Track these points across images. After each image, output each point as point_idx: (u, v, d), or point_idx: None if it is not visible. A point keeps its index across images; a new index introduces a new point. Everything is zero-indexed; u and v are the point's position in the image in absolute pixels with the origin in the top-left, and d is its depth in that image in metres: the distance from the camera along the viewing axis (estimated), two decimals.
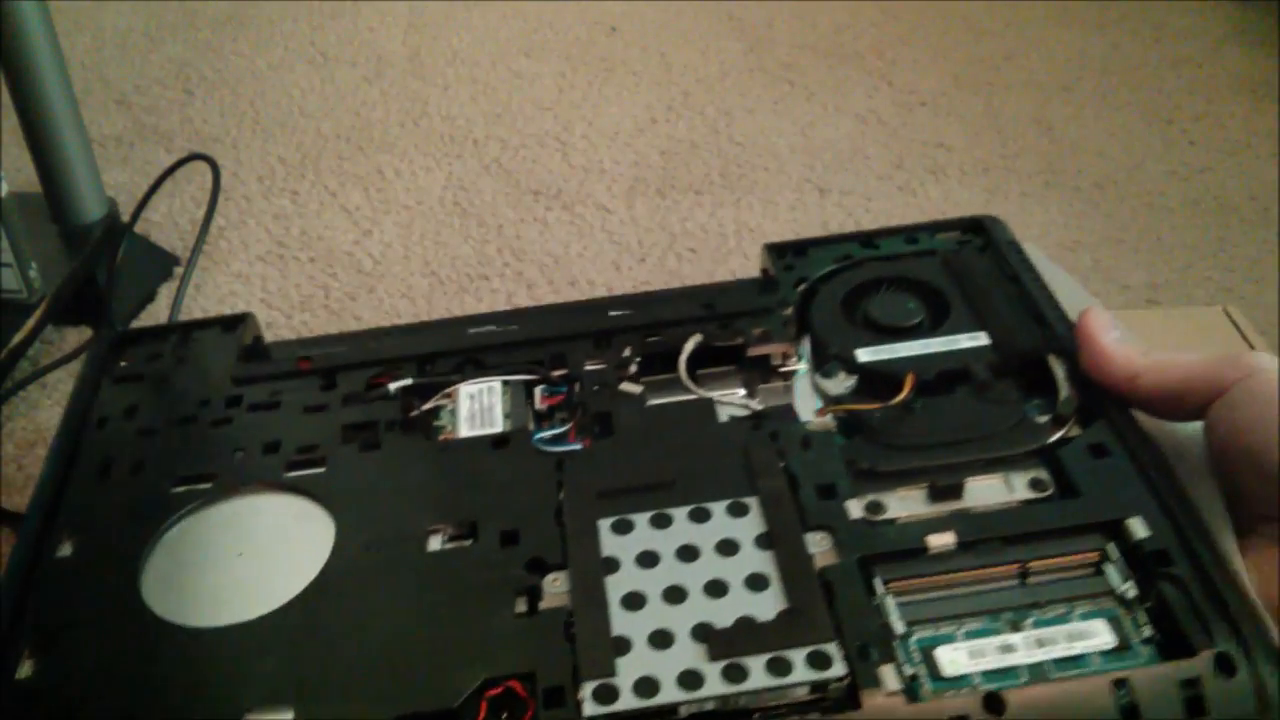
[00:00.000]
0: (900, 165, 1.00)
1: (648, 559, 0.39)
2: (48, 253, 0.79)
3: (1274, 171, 0.98)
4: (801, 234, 0.90)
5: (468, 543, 0.41)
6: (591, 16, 1.25)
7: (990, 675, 0.36)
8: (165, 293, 0.86)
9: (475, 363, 0.48)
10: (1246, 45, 1.18)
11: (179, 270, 0.87)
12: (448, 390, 0.47)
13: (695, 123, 1.06)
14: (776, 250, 0.53)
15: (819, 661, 0.35)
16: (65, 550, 0.42)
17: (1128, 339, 0.43)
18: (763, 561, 0.38)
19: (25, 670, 0.38)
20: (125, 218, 0.86)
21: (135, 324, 0.83)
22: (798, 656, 0.35)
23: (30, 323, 0.74)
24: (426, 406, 0.47)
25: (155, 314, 0.84)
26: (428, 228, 0.92)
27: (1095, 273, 0.86)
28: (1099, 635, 0.36)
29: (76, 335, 0.82)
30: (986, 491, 0.41)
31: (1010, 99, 1.10)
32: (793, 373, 0.47)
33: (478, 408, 0.47)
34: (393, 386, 0.47)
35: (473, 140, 1.04)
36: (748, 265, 0.87)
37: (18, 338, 0.74)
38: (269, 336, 0.81)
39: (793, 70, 1.15)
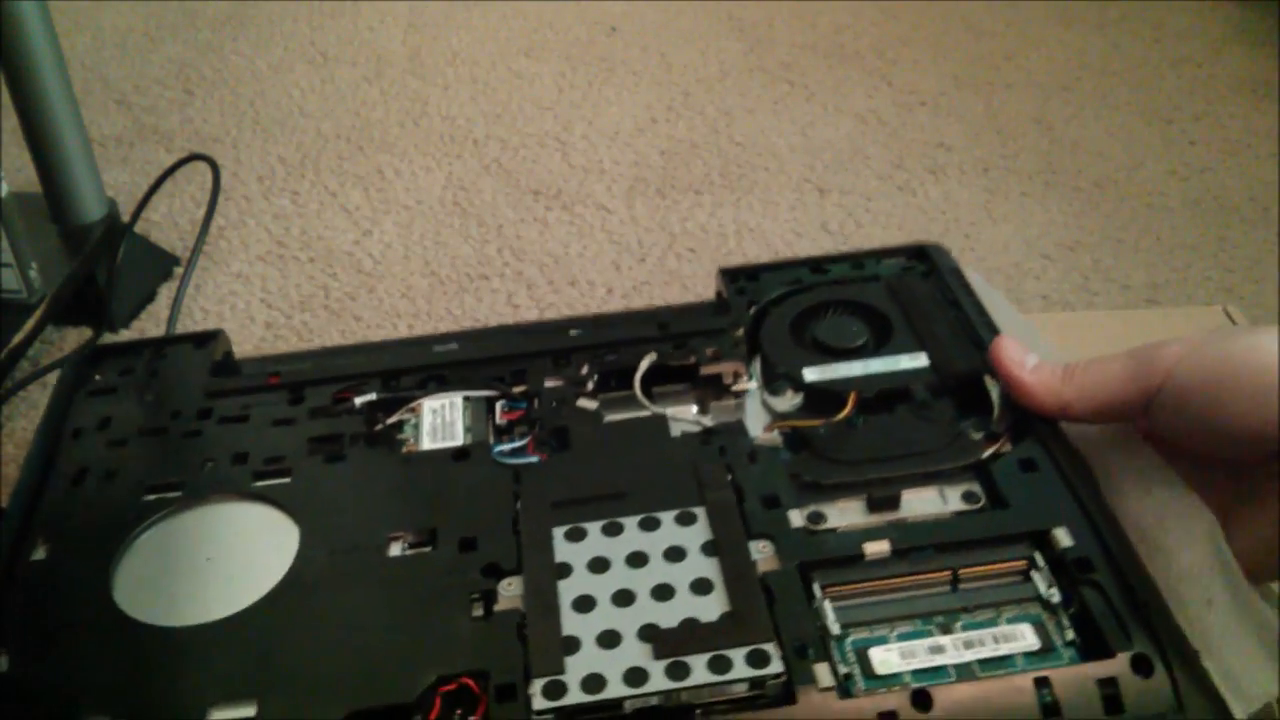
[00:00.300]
0: (900, 165, 1.00)
1: (599, 564, 0.41)
2: (48, 253, 0.79)
3: (1274, 171, 0.98)
4: (802, 233, 0.91)
5: (427, 549, 0.42)
6: (591, 16, 1.25)
7: (920, 674, 0.37)
8: (165, 293, 0.86)
9: (438, 379, 0.50)
10: (1246, 45, 1.18)
11: (179, 270, 0.87)
12: (411, 405, 0.49)
13: (695, 123, 1.06)
14: (730, 274, 0.55)
15: (758, 660, 0.36)
16: (40, 553, 0.43)
17: (1044, 364, 0.45)
18: (708, 567, 0.40)
19: (1, 665, 0.39)
20: (125, 218, 0.86)
21: (135, 324, 0.83)
22: (738, 655, 0.37)
23: (30, 323, 0.74)
24: (390, 420, 0.49)
25: (155, 314, 0.84)
26: (428, 228, 0.92)
27: (1095, 273, 0.86)
28: (1024, 638, 0.38)
29: (76, 335, 0.82)
30: (922, 503, 0.43)
31: (1010, 99, 1.10)
32: (743, 391, 0.49)
33: (440, 422, 0.48)
34: (358, 401, 0.49)
35: (473, 140, 1.04)
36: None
37: (18, 338, 0.74)
38: (269, 336, 0.81)
39: (793, 70, 1.15)
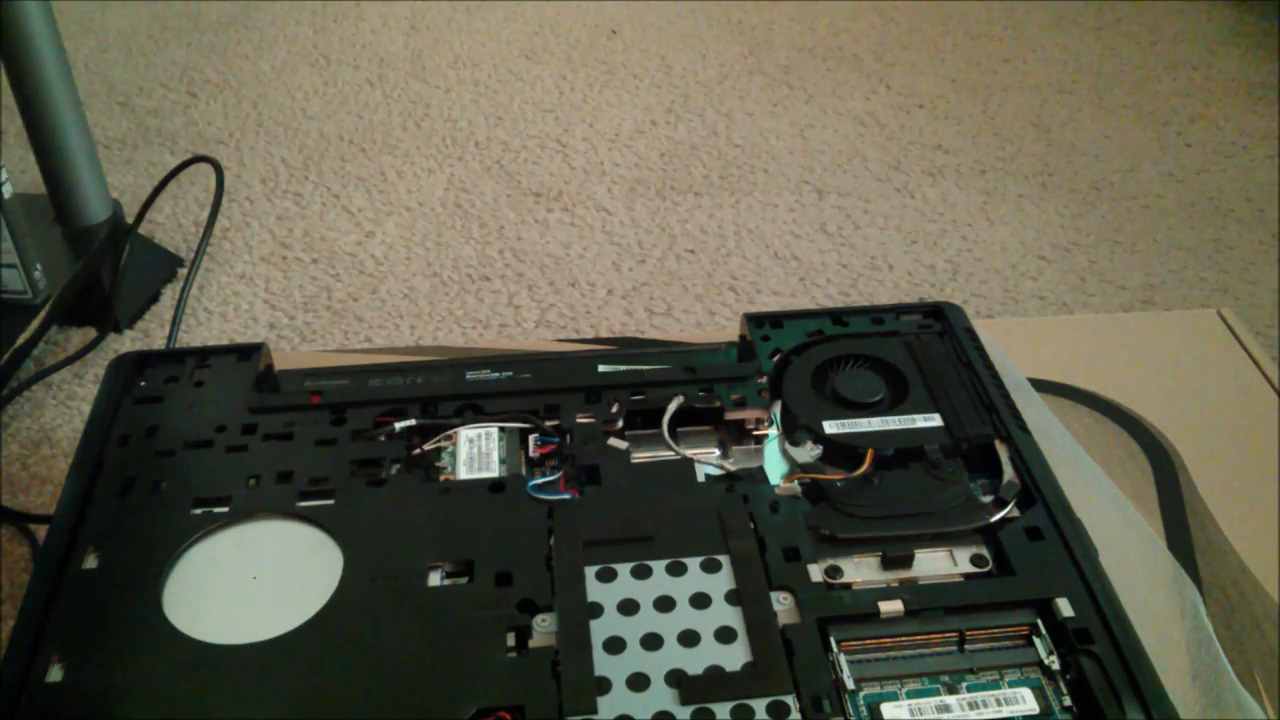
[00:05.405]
0: (898, 167, 1.00)
1: (628, 606, 0.42)
2: (52, 254, 0.80)
3: (1270, 173, 0.99)
4: (800, 234, 0.91)
5: (464, 580, 0.44)
6: (592, 19, 1.26)
7: None
8: (169, 294, 0.87)
9: (474, 408, 0.52)
10: (1242, 48, 1.18)
11: (183, 271, 0.88)
12: (449, 433, 0.51)
13: (695, 125, 1.07)
14: (754, 320, 0.57)
15: (778, 712, 0.38)
16: (90, 563, 0.45)
17: None
18: (732, 616, 0.42)
19: (55, 674, 0.40)
20: (129, 219, 0.87)
21: (139, 325, 0.84)
22: (760, 705, 0.39)
23: (35, 324, 0.75)
24: (428, 447, 0.50)
25: (159, 315, 0.85)
26: (429, 229, 0.93)
27: (1091, 274, 0.87)
28: (1024, 702, 0.40)
29: (81, 336, 0.82)
30: (933, 563, 0.46)
31: (1008, 101, 1.10)
32: (764, 436, 0.52)
33: (476, 451, 0.50)
34: (398, 426, 0.51)
35: (474, 142, 1.05)
36: (746, 266, 0.88)
37: (22, 338, 0.74)
38: (273, 337, 0.82)
39: (791, 73, 1.16)
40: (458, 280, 0.87)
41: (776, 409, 0.52)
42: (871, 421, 0.51)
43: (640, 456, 0.50)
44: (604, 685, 0.39)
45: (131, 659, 0.41)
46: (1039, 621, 0.42)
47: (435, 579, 0.44)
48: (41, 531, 0.65)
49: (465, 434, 0.51)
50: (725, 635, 0.41)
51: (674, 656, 0.40)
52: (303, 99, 1.12)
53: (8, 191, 0.72)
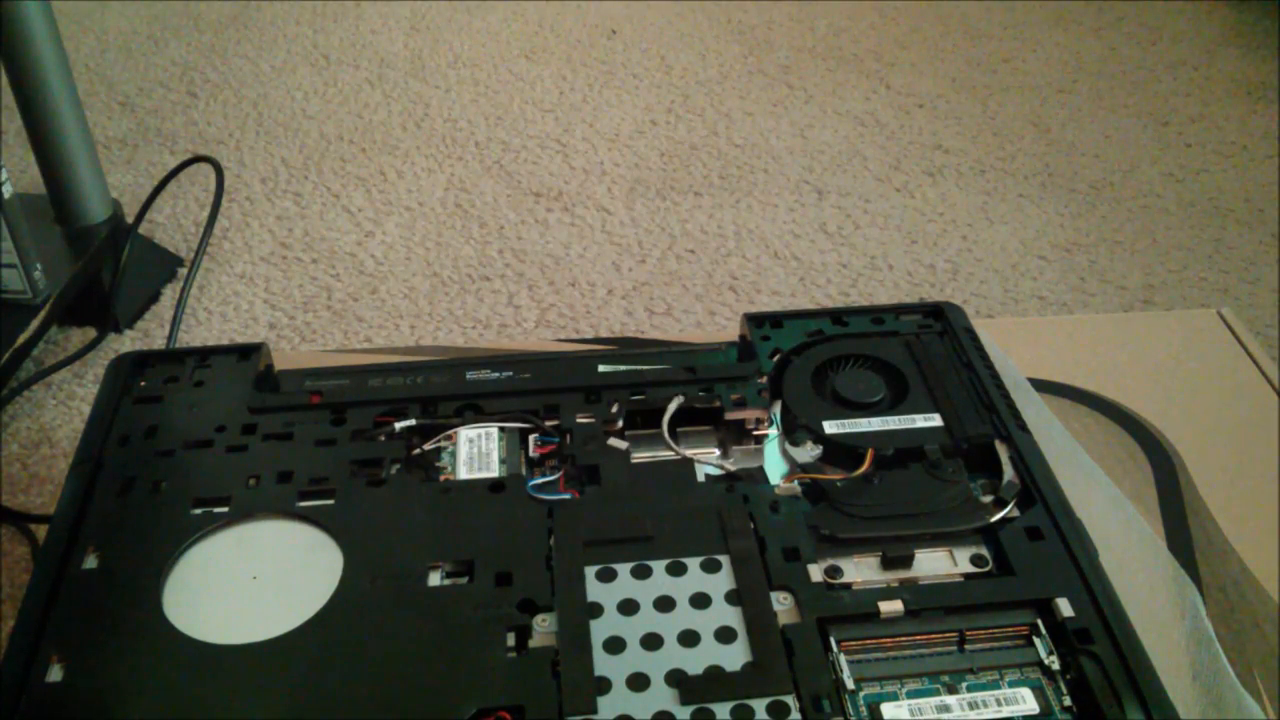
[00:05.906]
0: (898, 167, 1.00)
1: (628, 606, 0.42)
2: (52, 254, 0.80)
3: (1270, 173, 0.99)
4: (800, 234, 0.91)
5: (464, 580, 0.44)
6: (592, 19, 1.26)
7: None
8: (169, 293, 0.87)
9: (474, 408, 0.52)
10: (1242, 48, 1.18)
11: (183, 271, 0.88)
12: (449, 433, 0.51)
13: (695, 125, 1.07)
14: (754, 320, 0.57)
15: (778, 711, 0.39)
16: (90, 563, 0.45)
17: None
18: (731, 616, 0.42)
19: (55, 674, 0.40)
20: (129, 219, 0.87)
21: (140, 324, 0.84)
22: (760, 705, 0.39)
23: (35, 324, 0.75)
24: (428, 447, 0.50)
25: (159, 314, 0.85)
26: (429, 229, 0.93)
27: (1091, 274, 0.87)
28: (1024, 702, 0.40)
29: (81, 336, 0.82)
30: (933, 563, 0.46)
31: (1008, 101, 1.10)
32: (764, 436, 0.52)
33: (476, 451, 0.50)
34: (398, 426, 0.51)
35: (474, 142, 1.05)
36: (746, 266, 0.88)
37: (22, 338, 0.74)
38: (273, 337, 0.82)
39: (791, 73, 1.16)
40: (458, 280, 0.87)
41: (776, 409, 0.52)
42: (871, 421, 0.51)
43: (640, 456, 0.50)
44: (604, 685, 0.39)
45: (131, 659, 0.41)
46: (1039, 621, 0.42)
47: (435, 579, 0.44)
48: (41, 531, 0.65)
49: (465, 434, 0.51)
50: (725, 635, 0.41)
51: (674, 656, 0.40)
52: (303, 99, 1.12)
53: (8, 191, 0.72)
